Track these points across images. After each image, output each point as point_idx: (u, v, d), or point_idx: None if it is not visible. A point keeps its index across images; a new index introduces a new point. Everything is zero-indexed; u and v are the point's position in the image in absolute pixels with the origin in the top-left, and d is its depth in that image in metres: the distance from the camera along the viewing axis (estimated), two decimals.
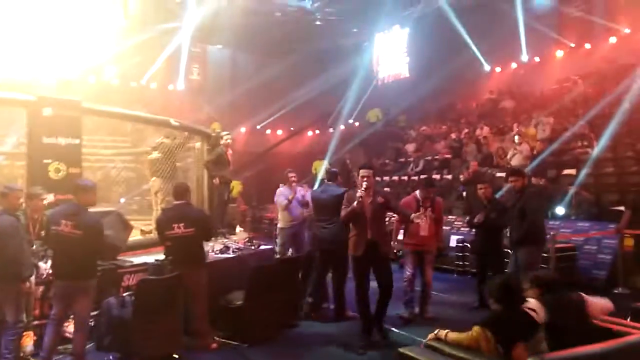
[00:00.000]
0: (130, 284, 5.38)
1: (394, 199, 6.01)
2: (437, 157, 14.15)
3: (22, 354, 4.52)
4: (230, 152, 8.04)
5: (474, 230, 6.88)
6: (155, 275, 4.91)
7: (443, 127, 16.32)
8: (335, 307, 6.12)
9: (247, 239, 7.37)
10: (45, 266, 4.73)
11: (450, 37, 15.63)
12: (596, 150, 9.92)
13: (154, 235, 5.99)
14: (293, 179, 7.44)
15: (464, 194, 10.91)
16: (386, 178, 14.27)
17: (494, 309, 3.35)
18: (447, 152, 13.96)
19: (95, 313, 4.84)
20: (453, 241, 9.35)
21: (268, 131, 20.94)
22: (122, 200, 10.26)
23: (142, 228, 7.39)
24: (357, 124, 19.56)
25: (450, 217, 10.29)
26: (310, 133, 21.20)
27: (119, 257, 5.57)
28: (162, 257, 5.12)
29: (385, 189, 11.83)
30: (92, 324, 4.84)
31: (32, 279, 4.53)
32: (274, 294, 5.46)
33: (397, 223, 6.31)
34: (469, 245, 8.71)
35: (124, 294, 4.97)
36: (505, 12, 14.56)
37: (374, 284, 5.18)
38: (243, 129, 19.47)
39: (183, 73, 18.11)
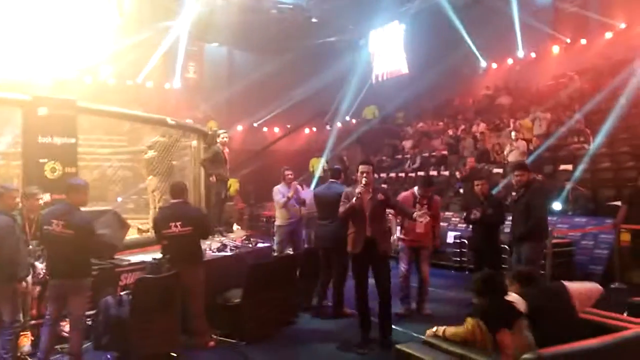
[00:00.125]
0: (128, 283, 5.38)
1: (394, 196, 5.92)
2: (434, 153, 14.16)
3: (19, 354, 4.52)
4: (227, 150, 8.04)
5: (471, 226, 6.89)
6: (152, 274, 4.91)
7: (440, 123, 16.34)
8: (333, 304, 6.13)
9: (244, 237, 7.38)
10: (42, 266, 4.73)
11: (447, 34, 15.63)
12: (593, 146, 9.94)
13: (151, 233, 5.99)
14: (290, 176, 7.44)
15: (461, 190, 10.93)
16: (383, 175, 14.28)
17: (476, 302, 3.44)
18: (444, 148, 13.97)
19: (92, 312, 4.84)
20: (450, 237, 9.38)
21: (265, 129, 20.93)
22: (119, 199, 10.25)
23: (139, 227, 7.38)
24: (354, 121, 19.57)
25: (447, 213, 10.31)
26: (307, 130, 21.19)
27: (116, 256, 5.56)
28: (159, 255, 5.11)
29: (383, 185, 11.84)
30: (90, 323, 4.84)
31: (29, 278, 4.52)
32: (272, 292, 5.47)
33: (394, 218, 6.31)
34: (466, 242, 8.73)
35: (122, 293, 4.96)
36: (501, 8, 14.56)
37: (371, 280, 5.14)
38: (240, 127, 19.45)
39: (179, 71, 18.07)
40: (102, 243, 4.60)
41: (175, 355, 4.67)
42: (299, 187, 7.61)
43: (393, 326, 5.12)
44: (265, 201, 14.26)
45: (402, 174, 13.95)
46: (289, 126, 20.82)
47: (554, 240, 7.13)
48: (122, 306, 4.64)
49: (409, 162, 14.43)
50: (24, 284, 4.42)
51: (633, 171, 8.83)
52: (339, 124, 18.69)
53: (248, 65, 19.99)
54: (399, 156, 15.59)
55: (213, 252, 6.28)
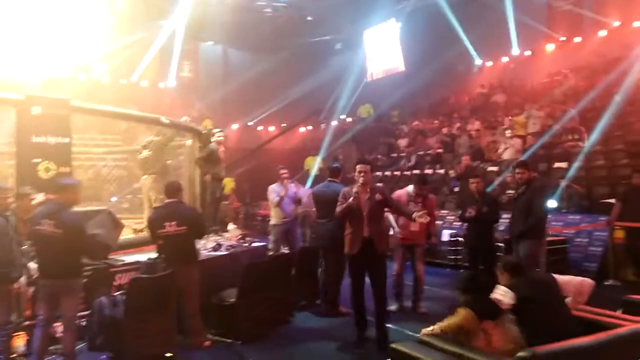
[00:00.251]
0: (122, 283, 5.36)
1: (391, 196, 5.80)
2: (429, 152, 14.18)
3: (14, 355, 4.49)
4: (222, 149, 8.02)
5: (466, 224, 6.90)
6: (147, 274, 4.89)
7: (435, 121, 16.35)
8: (328, 303, 6.13)
9: (239, 236, 7.36)
10: (36, 267, 4.70)
11: (442, 32, 15.63)
12: (587, 144, 9.96)
13: (146, 233, 5.97)
14: (284, 175, 7.42)
15: (456, 188, 10.95)
16: (379, 173, 14.29)
17: (461, 300, 3.53)
18: (439, 147, 13.99)
19: (87, 313, 4.82)
20: (445, 235, 9.39)
21: (260, 127, 20.90)
22: (114, 198, 10.23)
23: (134, 226, 7.36)
24: (349, 119, 19.56)
25: (442, 211, 10.32)
26: (302, 129, 21.17)
27: (110, 256, 5.54)
28: (154, 255, 5.10)
29: (378, 184, 11.85)
30: (84, 323, 4.83)
31: (23, 279, 4.49)
32: (267, 291, 5.46)
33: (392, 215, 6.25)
34: (461, 240, 8.74)
35: (116, 293, 4.94)
36: (496, 6, 14.57)
37: (367, 279, 5.12)
38: (235, 126, 19.42)
39: (174, 70, 18.00)
40: (94, 243, 4.56)
41: (170, 355, 4.65)
42: (291, 185, 7.60)
43: (388, 325, 5.11)
44: (261, 200, 14.22)
45: (398, 173, 13.96)
46: (284, 125, 20.80)
47: (549, 238, 7.15)
48: (117, 306, 4.63)
49: (404, 160, 14.44)
50: (17, 284, 4.39)
51: (627, 169, 8.86)
52: (334, 123, 18.68)
53: (243, 63, 19.96)
54: (395, 154, 15.60)
55: (208, 251, 6.27)
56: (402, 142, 15.85)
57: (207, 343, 5.06)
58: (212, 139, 7.93)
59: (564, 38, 14.97)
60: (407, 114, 18.37)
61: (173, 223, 4.88)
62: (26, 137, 5.71)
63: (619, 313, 3.86)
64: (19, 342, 4.58)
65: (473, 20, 15.29)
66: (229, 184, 12.67)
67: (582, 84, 12.95)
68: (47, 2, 12.00)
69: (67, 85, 12.97)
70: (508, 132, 11.68)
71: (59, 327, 4.54)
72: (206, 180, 7.82)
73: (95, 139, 10.39)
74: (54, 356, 4.55)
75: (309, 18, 18.33)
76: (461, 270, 8.58)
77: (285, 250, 7.42)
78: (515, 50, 15.81)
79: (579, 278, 3.83)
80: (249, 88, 18.04)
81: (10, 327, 4.30)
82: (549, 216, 8.34)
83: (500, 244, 6.66)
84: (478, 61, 16.89)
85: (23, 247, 4.62)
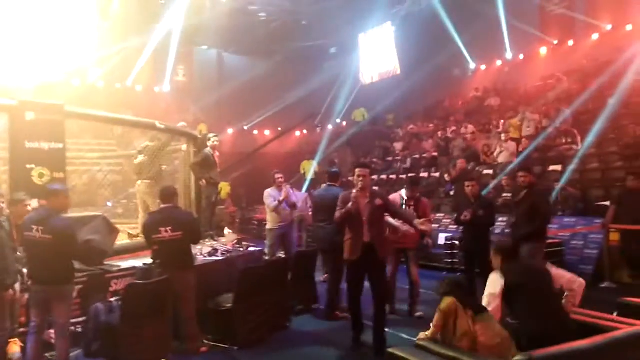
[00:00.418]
0: (118, 289, 5.33)
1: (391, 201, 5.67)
2: (424, 155, 14.22)
3: None
4: (217, 154, 8.01)
5: (462, 227, 6.91)
6: (143, 280, 4.87)
7: (430, 125, 16.41)
8: (327, 307, 6.12)
9: (235, 241, 7.34)
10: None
11: (436, 36, 15.72)
12: (582, 147, 9.99)
13: (141, 238, 5.94)
14: (280, 180, 7.42)
15: (452, 192, 10.96)
16: (374, 177, 14.30)
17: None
18: (435, 150, 14.03)
19: (82, 319, 4.79)
20: (442, 239, 9.40)
21: (256, 132, 20.89)
22: (109, 204, 10.18)
23: (129, 232, 7.33)
24: (344, 123, 19.59)
25: (438, 215, 10.34)
26: (298, 133, 21.19)
27: (106, 262, 5.51)
28: (150, 261, 5.07)
29: (374, 188, 11.85)
30: (80, 329, 4.80)
31: (17, 286, 4.46)
32: (264, 296, 5.45)
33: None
34: (457, 243, 8.75)
35: (112, 299, 4.92)
36: (489, 10, 14.66)
37: (366, 283, 5.04)
38: (230, 130, 19.40)
39: (169, 74, 17.98)
40: (88, 249, 4.54)
41: None
42: (290, 189, 7.60)
43: (385, 329, 5.09)
44: (257, 204, 14.21)
45: (394, 176, 13.98)
46: (279, 129, 20.80)
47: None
48: (113, 312, 4.60)
49: (399, 164, 14.47)
50: (11, 291, 4.36)
51: (621, 171, 8.91)
52: (329, 127, 18.70)
53: (238, 68, 19.97)
54: (390, 158, 15.63)
55: (204, 256, 6.25)
56: (398, 146, 15.89)
57: (203, 349, 5.03)
58: (208, 144, 7.93)
59: (556, 42, 15.07)
60: (402, 118, 18.42)
61: (168, 228, 4.86)
62: (20, 143, 5.67)
63: (614, 316, 3.87)
64: (14, 348, 4.55)
65: (467, 25, 15.37)
66: (225, 188, 12.65)
67: (576, 87, 13.04)
68: (39, 7, 11.96)
69: (61, 90, 12.93)
70: (503, 136, 11.71)
71: (53, 334, 4.51)
72: (201, 185, 7.80)
73: (89, 144, 10.33)
74: None
75: (303, 22, 18.36)
76: (458, 274, 8.60)
77: (281, 254, 7.41)
78: (509, 54, 15.91)
79: (572, 275, 3.85)
80: (244, 92, 18.04)
81: (4, 333, 4.27)
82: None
83: None
84: (472, 65, 16.97)
85: (18, 254, 4.59)
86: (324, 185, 7.14)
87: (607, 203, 7.86)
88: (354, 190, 4.81)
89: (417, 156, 14.40)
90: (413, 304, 6.22)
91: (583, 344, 2.91)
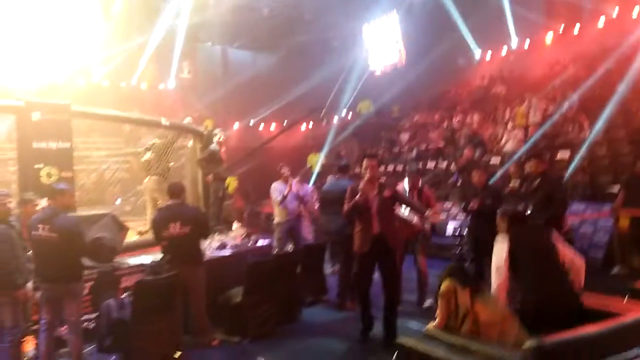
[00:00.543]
0: (129, 285, 5.37)
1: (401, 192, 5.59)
2: (431, 145, 14.17)
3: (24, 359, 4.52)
4: (223, 149, 8.03)
5: (469, 217, 6.89)
6: (153, 276, 4.91)
7: (436, 115, 16.33)
8: (338, 298, 6.15)
9: (244, 235, 7.36)
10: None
11: (441, 25, 15.60)
12: (591, 133, 9.90)
13: (150, 235, 5.99)
14: (286, 174, 7.42)
15: (459, 182, 10.93)
16: (381, 168, 14.29)
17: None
18: (441, 140, 13.97)
19: (95, 315, 4.85)
20: (449, 228, 9.38)
21: (261, 126, 20.89)
22: (118, 201, 10.25)
23: (139, 229, 7.38)
24: (350, 115, 19.54)
25: (446, 204, 10.31)
26: (303, 127, 21.16)
27: (116, 259, 5.56)
28: (159, 257, 5.11)
29: (382, 179, 11.84)
30: (93, 325, 4.86)
31: (29, 284, 4.51)
32: (273, 289, 5.47)
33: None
34: (465, 232, 8.72)
35: (123, 295, 4.97)
36: None
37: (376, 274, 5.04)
38: (236, 125, 19.41)
39: (174, 72, 17.99)
40: (99, 245, 4.59)
41: (179, 355, 4.67)
42: (294, 183, 7.60)
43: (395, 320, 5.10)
44: (265, 198, 14.22)
45: (400, 167, 13.95)
46: (285, 123, 20.78)
47: None
48: (124, 309, 4.66)
49: (406, 154, 14.44)
50: (23, 290, 4.41)
51: (630, 157, 8.84)
52: (335, 119, 18.66)
53: (242, 63, 19.94)
54: (397, 149, 15.59)
55: (213, 251, 6.28)
56: (404, 137, 15.84)
57: (215, 342, 5.08)
58: (214, 140, 7.95)
59: (562, 28, 14.91)
60: (408, 108, 18.34)
61: (177, 224, 4.89)
62: (27, 143, 5.73)
63: (625, 301, 3.86)
64: (29, 346, 4.61)
65: (471, 13, 15.24)
66: (232, 183, 12.68)
67: (582, 73, 12.91)
68: (42, 7, 11.99)
69: (67, 90, 12.98)
70: (509, 124, 11.65)
71: (65, 330, 4.57)
72: (208, 180, 7.83)
73: (97, 142, 10.41)
74: (62, 359, 4.58)
75: (306, 16, 18.28)
76: (467, 264, 8.58)
77: (290, 247, 7.43)
78: (514, 42, 15.77)
79: (574, 252, 3.82)
80: (249, 87, 18.02)
81: (17, 331, 4.32)
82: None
83: None
84: (477, 53, 16.85)
85: (29, 253, 4.64)
86: (330, 177, 7.15)
87: (616, 189, 7.80)
88: (362, 182, 4.75)
89: (424, 147, 14.35)
90: (421, 294, 6.22)
91: (593, 329, 2.90)
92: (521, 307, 3.48)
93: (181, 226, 4.90)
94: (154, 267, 5.09)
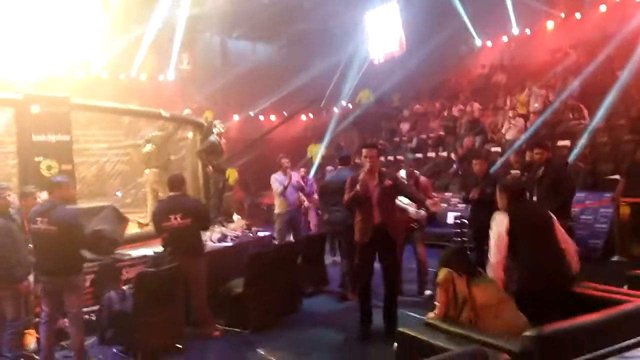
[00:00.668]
0: (130, 277, 5.40)
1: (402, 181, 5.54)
2: (431, 135, 14.13)
3: (25, 352, 4.55)
4: (223, 140, 8.01)
5: (470, 206, 6.88)
6: (154, 267, 4.93)
7: (436, 104, 16.27)
8: (340, 288, 6.17)
9: (244, 227, 7.39)
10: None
11: (441, 12, 15.49)
12: (592, 121, 9.85)
13: (151, 227, 6.00)
14: (286, 164, 7.42)
15: (459, 171, 10.92)
16: (381, 158, 14.26)
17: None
18: (442, 129, 13.93)
19: (96, 307, 4.87)
20: (450, 218, 9.39)
21: (261, 117, 20.84)
22: (119, 193, 10.26)
23: (139, 221, 7.39)
24: (350, 105, 19.47)
25: (446, 193, 10.31)
26: (303, 117, 21.11)
27: (117, 251, 5.58)
28: (160, 248, 5.13)
29: (383, 169, 11.83)
30: (94, 318, 4.88)
31: (31, 277, 4.53)
32: (274, 280, 5.49)
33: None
34: (466, 222, 8.73)
35: (124, 287, 4.99)
36: None
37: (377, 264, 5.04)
38: (236, 116, 19.37)
39: (173, 63, 17.92)
40: (100, 237, 4.59)
41: (180, 346, 4.70)
42: (294, 173, 7.60)
43: (396, 309, 5.11)
44: (265, 189, 14.23)
45: (401, 157, 13.92)
46: (285, 113, 20.73)
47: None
48: (125, 300, 4.68)
49: (406, 144, 14.41)
50: (25, 282, 4.42)
51: (631, 144, 8.81)
52: (335, 110, 18.60)
53: (242, 54, 19.85)
54: (397, 139, 15.56)
55: (214, 242, 6.30)
56: (404, 126, 15.79)
57: (216, 333, 5.11)
58: (213, 131, 7.93)
59: (563, 15, 14.81)
60: (408, 98, 18.26)
61: (178, 216, 4.90)
62: (26, 136, 5.73)
63: (625, 289, 3.86)
64: (30, 339, 4.64)
65: (472, 0, 15.13)
66: (232, 174, 12.68)
67: (584, 60, 12.83)
68: (40, 0, 11.93)
69: (66, 82, 12.94)
70: (510, 112, 11.60)
71: (67, 322, 4.59)
72: (208, 171, 7.83)
73: (96, 135, 10.39)
74: (64, 351, 4.61)
75: (305, 5, 18.15)
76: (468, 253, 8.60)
77: (290, 238, 7.45)
78: (515, 29, 15.66)
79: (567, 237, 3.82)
80: (249, 78, 17.94)
81: (19, 323, 4.34)
82: None
83: None
84: (478, 42, 16.74)
85: (30, 246, 4.66)
86: (329, 168, 7.13)
87: (617, 177, 7.78)
88: (362, 172, 4.72)
89: (424, 136, 14.32)
90: (422, 283, 6.24)
91: (593, 317, 2.91)
92: (518, 287, 3.48)
93: (182, 218, 4.91)
94: (155, 259, 5.12)
